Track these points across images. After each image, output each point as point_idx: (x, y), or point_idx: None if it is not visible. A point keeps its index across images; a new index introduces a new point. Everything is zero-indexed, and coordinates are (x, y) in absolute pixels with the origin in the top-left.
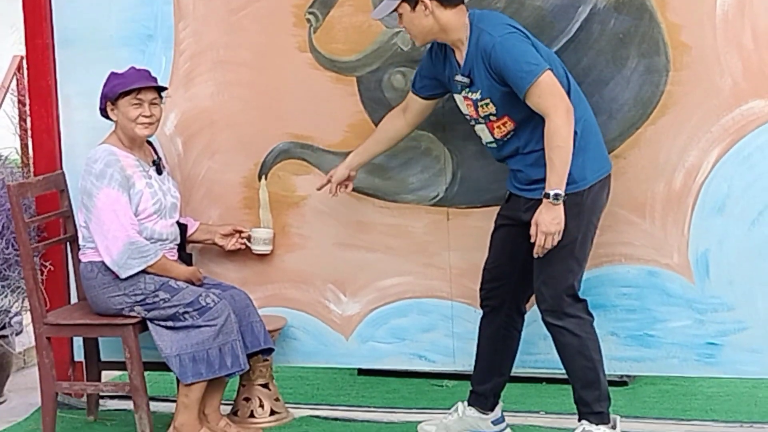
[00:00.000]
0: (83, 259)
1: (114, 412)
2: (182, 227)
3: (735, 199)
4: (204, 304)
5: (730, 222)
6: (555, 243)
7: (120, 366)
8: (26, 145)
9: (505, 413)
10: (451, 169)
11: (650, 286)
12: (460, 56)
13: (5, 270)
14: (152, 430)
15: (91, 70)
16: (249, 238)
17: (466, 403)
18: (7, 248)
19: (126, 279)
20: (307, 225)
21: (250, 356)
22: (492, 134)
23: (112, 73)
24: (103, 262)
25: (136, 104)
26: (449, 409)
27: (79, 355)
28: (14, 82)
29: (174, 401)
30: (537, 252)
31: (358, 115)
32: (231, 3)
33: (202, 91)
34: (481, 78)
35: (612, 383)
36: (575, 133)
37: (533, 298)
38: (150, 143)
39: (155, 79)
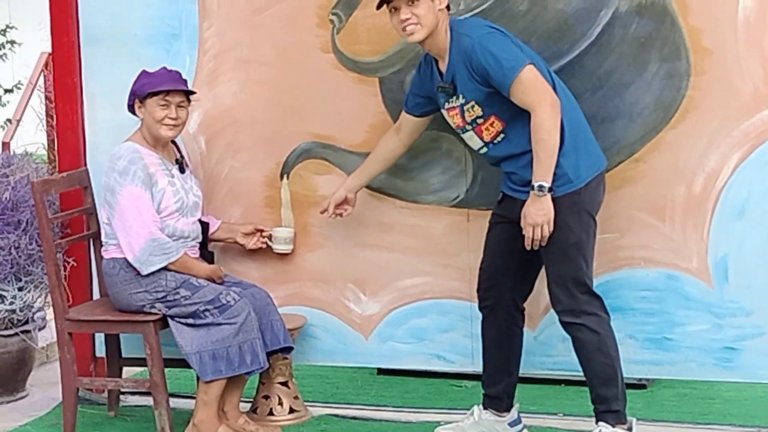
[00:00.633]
0: (105, 255)
1: (134, 408)
2: (204, 225)
3: (755, 204)
4: (224, 302)
5: (749, 227)
6: (545, 234)
7: (141, 362)
8: (53, 140)
9: (523, 415)
10: (472, 171)
11: (669, 289)
12: (443, 65)
13: (29, 266)
14: (172, 426)
15: (116, 68)
16: (270, 237)
17: (481, 406)
18: (31, 244)
19: (147, 276)
20: (328, 225)
21: (269, 354)
22: (481, 138)
23: (143, 72)
24: (125, 259)
25: (163, 105)
26: (468, 409)
27: (100, 351)
28: (41, 78)
29: (194, 398)
30: (528, 244)
31: (380, 115)
32: (255, 3)
33: (225, 90)
34: (464, 81)
35: (630, 386)
36: (564, 131)
37: (530, 296)
38: (174, 142)
39: (185, 82)
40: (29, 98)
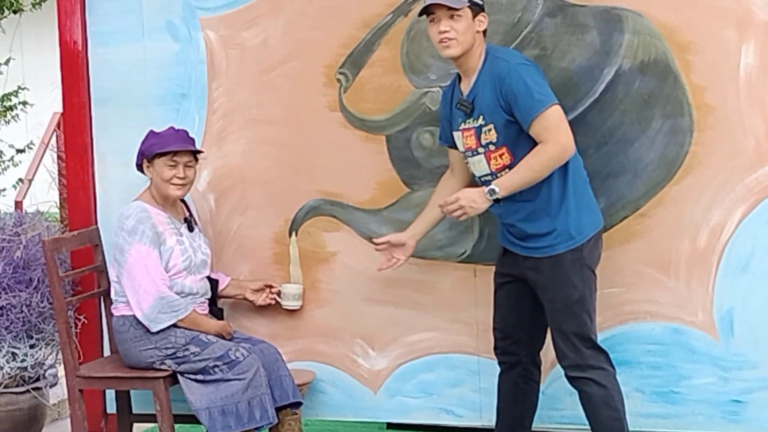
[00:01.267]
0: (115, 313)
1: None
2: (214, 283)
3: (759, 258)
4: (234, 357)
5: (754, 280)
6: (457, 216)
7: (151, 418)
8: (66, 199)
9: None
10: (478, 227)
11: (675, 343)
12: (467, 85)
13: (40, 323)
14: None
15: (126, 128)
16: (279, 294)
17: None
18: (42, 302)
19: (157, 333)
20: (336, 280)
21: (279, 410)
22: (488, 165)
23: (151, 132)
24: (134, 316)
25: (171, 165)
26: None
27: (111, 408)
28: (54, 138)
29: None
30: (442, 207)
31: (387, 173)
32: (263, 63)
33: (234, 149)
34: (487, 103)
35: None
36: (568, 187)
37: (542, 349)
38: (182, 200)
39: (192, 141)
40: (41, 157)
